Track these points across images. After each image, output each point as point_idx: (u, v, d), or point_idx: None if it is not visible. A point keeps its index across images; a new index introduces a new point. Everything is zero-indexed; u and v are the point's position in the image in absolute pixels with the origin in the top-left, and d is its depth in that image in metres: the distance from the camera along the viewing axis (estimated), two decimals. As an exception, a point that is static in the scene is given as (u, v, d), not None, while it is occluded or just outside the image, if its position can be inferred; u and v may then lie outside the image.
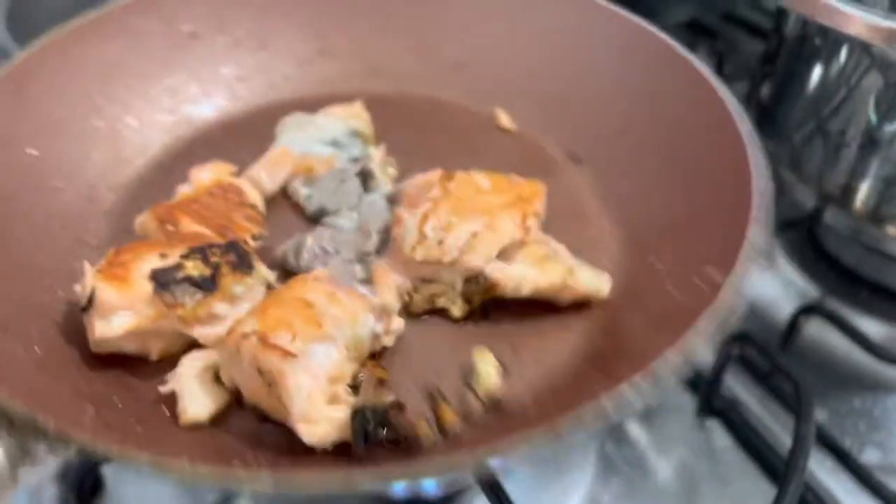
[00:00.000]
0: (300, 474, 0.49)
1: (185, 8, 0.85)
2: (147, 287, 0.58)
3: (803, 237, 0.97)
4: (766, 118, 0.95)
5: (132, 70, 0.82)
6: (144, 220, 0.67)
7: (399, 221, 0.66)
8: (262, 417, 0.56)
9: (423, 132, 0.80)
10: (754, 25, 1.23)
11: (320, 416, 0.53)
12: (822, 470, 0.75)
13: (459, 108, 0.86)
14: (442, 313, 0.65)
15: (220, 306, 0.60)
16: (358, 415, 0.52)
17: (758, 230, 0.59)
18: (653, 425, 0.79)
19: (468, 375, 0.59)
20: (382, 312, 0.61)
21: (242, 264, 0.60)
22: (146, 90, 0.82)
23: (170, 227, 0.65)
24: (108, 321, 0.58)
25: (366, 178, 0.74)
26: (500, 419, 0.57)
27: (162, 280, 0.58)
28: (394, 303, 0.63)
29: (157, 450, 0.50)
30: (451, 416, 0.56)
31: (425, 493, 0.68)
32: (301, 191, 0.74)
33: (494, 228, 0.65)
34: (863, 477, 0.73)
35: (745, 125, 0.67)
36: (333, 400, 0.54)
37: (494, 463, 0.48)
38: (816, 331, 0.87)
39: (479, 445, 0.50)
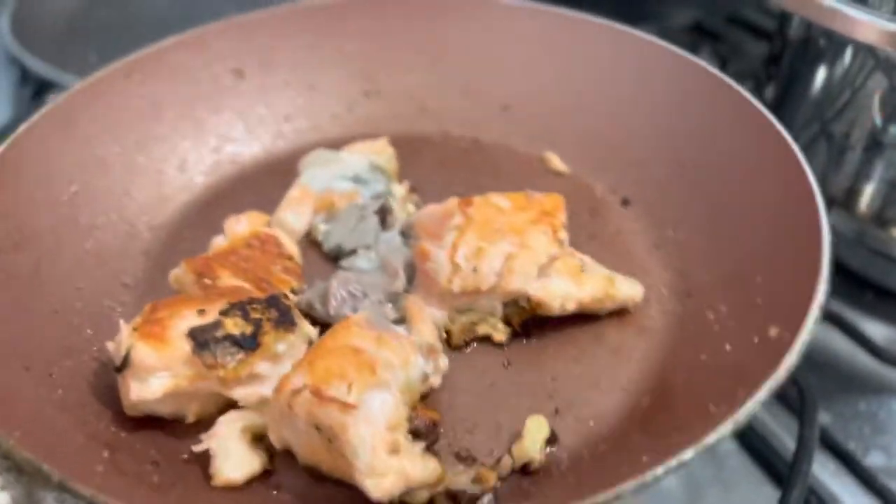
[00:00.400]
0: None
1: (231, 47, 0.85)
2: (185, 346, 0.55)
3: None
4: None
5: (177, 109, 0.81)
6: (179, 274, 0.65)
7: (426, 255, 0.64)
8: (318, 477, 0.55)
9: (468, 173, 0.80)
10: (758, 27, 1.23)
11: (386, 469, 0.51)
12: (825, 473, 0.75)
13: (506, 149, 0.85)
14: (482, 339, 0.65)
15: (262, 366, 0.57)
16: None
17: (826, 289, 0.55)
18: None
19: (514, 438, 0.58)
20: (430, 352, 0.60)
21: (285, 320, 0.58)
22: (191, 129, 0.82)
23: (207, 281, 0.62)
24: (145, 382, 0.56)
25: (385, 215, 0.73)
26: (533, 479, 0.56)
27: (201, 339, 0.56)
28: (436, 340, 0.61)
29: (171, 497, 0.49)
30: (489, 478, 0.55)
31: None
32: (320, 227, 0.74)
33: (528, 246, 0.63)
34: (867, 480, 0.74)
35: (810, 169, 0.64)
36: (394, 449, 0.52)
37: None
38: (821, 334, 0.87)
39: None
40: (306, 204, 0.75)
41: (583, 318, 0.65)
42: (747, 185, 0.69)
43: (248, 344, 0.56)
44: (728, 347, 0.59)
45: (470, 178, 0.80)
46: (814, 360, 0.87)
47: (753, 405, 0.49)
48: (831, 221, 0.87)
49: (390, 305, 0.65)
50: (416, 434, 0.55)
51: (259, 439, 0.56)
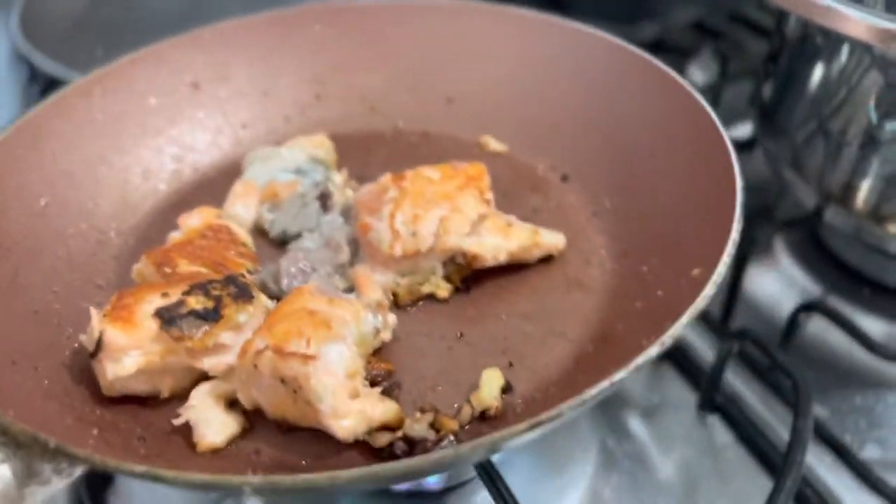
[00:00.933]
0: (286, 477, 0.52)
1: (187, 60, 0.93)
2: (153, 326, 0.63)
3: (805, 236, 0.99)
4: (768, 117, 0.97)
5: (137, 121, 0.89)
6: (141, 268, 0.73)
7: (366, 227, 0.74)
8: (287, 428, 0.62)
9: (418, 164, 0.86)
10: (760, 26, 1.25)
11: (348, 411, 0.59)
12: (821, 466, 0.78)
13: (453, 139, 0.94)
14: (428, 299, 0.74)
15: (226, 335, 0.64)
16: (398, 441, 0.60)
17: (738, 230, 0.65)
18: (654, 421, 0.86)
19: (471, 389, 0.65)
20: (378, 308, 0.69)
21: (244, 294, 0.66)
22: (151, 140, 0.90)
23: (167, 270, 0.70)
24: (119, 362, 0.63)
25: (325, 199, 0.82)
26: (491, 424, 0.63)
27: (167, 316, 0.63)
28: (383, 298, 0.71)
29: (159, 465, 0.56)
30: (450, 425, 0.62)
31: (427, 486, 0.69)
32: (266, 216, 0.83)
33: (459, 209, 0.73)
34: (862, 473, 0.79)
35: (724, 132, 0.74)
36: (354, 394, 0.60)
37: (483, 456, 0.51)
38: (817, 328, 0.90)
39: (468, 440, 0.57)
40: (252, 196, 0.83)
41: (516, 270, 0.75)
42: (671, 155, 0.79)
43: (212, 316, 0.64)
44: (660, 293, 0.68)
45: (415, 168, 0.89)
46: (810, 355, 0.89)
47: (676, 329, 0.57)
48: (828, 218, 0.90)
49: (338, 276, 0.74)
50: (373, 382, 0.64)
51: (232, 404, 0.64)
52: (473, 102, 0.95)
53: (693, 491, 0.78)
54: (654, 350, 0.56)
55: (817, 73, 0.89)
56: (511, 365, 0.68)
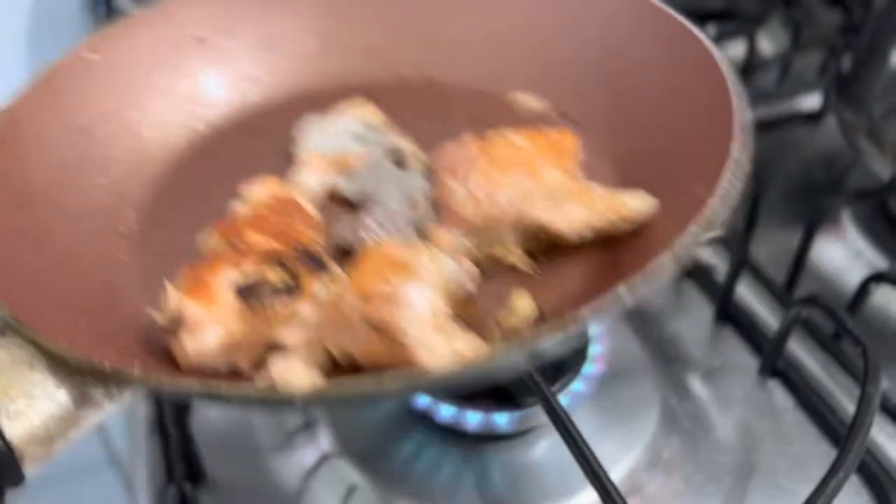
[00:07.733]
0: (333, 383, 0.54)
1: (193, 16, 0.94)
2: (232, 300, 0.62)
3: (875, 209, 0.98)
4: (846, 88, 0.95)
5: (147, 76, 0.91)
6: (208, 238, 0.71)
7: (444, 187, 0.72)
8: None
9: (425, 111, 0.86)
10: (831, -5, 1.23)
11: (434, 343, 0.57)
12: (882, 436, 0.77)
13: (458, 86, 0.91)
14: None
15: (304, 307, 0.63)
16: None
17: (740, 149, 0.63)
18: (714, 382, 0.86)
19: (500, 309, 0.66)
20: (455, 255, 0.67)
21: (319, 266, 0.65)
22: (161, 94, 0.90)
23: (237, 242, 0.69)
24: (199, 338, 0.61)
25: (399, 159, 0.80)
26: None
27: (248, 293, 0.62)
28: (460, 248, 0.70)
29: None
30: None
31: (497, 429, 0.71)
32: (340, 183, 0.81)
33: (540, 179, 0.69)
34: None
35: (723, 63, 0.71)
36: (439, 329, 0.59)
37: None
38: (881, 301, 0.89)
39: None
40: (321, 165, 0.80)
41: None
42: (676, 92, 0.75)
43: (293, 290, 0.62)
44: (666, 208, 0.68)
45: (429, 118, 0.86)
46: (876, 326, 0.89)
47: (688, 238, 0.56)
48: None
49: (415, 234, 0.72)
50: None
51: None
52: (478, 46, 0.91)
53: (752, 450, 0.79)
54: (667, 259, 0.54)
55: (902, 45, 0.88)
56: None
